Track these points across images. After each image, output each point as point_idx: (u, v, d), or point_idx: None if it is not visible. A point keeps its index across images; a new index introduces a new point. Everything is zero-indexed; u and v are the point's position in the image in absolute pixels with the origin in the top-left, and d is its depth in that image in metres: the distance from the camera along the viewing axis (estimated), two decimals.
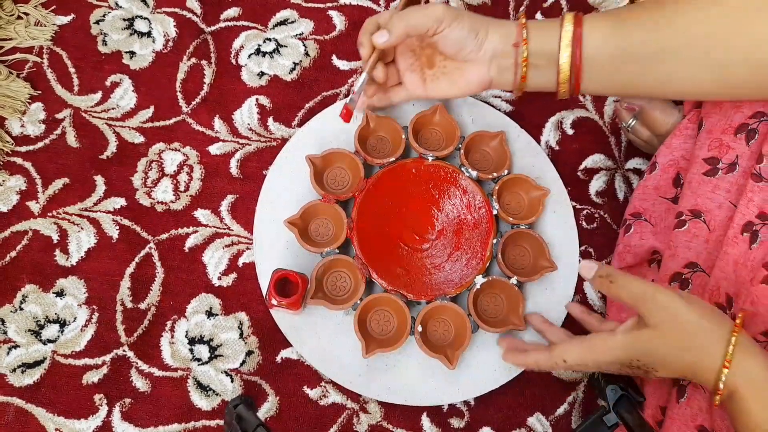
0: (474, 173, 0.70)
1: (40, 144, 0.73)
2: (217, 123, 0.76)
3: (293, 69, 0.79)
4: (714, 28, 0.50)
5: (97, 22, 0.79)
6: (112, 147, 0.74)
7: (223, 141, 0.75)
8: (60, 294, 0.67)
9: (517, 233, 0.69)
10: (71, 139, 0.73)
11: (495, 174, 0.71)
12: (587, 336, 0.54)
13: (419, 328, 0.64)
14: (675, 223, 0.59)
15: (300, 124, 0.76)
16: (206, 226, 0.71)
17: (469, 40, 0.58)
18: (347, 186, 0.71)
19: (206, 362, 0.66)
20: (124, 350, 0.66)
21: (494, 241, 0.69)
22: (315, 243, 0.67)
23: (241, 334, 0.67)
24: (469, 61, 0.60)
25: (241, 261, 0.70)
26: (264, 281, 0.68)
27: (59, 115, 0.74)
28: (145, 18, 0.80)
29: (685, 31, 0.51)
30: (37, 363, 0.65)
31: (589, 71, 0.56)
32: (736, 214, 0.53)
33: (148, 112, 0.75)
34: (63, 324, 0.66)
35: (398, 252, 0.68)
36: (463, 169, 0.71)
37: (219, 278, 0.69)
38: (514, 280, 0.67)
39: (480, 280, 0.67)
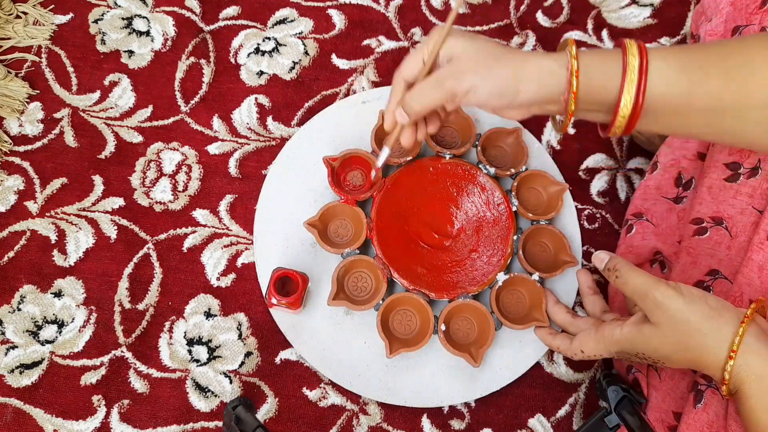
0: (492, 170, 0.70)
1: (38, 144, 0.73)
2: (216, 122, 0.75)
3: (292, 68, 0.78)
4: None
5: (96, 21, 0.79)
6: (110, 147, 0.73)
7: (222, 140, 0.74)
8: (58, 294, 0.67)
9: (537, 229, 0.69)
10: (69, 139, 0.73)
11: (513, 170, 0.71)
12: (600, 326, 0.55)
13: (442, 327, 0.64)
14: (694, 229, 0.58)
15: (299, 124, 0.75)
16: (205, 226, 0.71)
17: (492, 101, 0.50)
18: (364, 186, 0.70)
19: (205, 363, 0.66)
20: (122, 351, 0.66)
21: (515, 237, 0.68)
22: (335, 244, 0.67)
23: (240, 335, 0.67)
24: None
25: (239, 261, 0.69)
26: (264, 280, 0.67)
27: (57, 115, 0.74)
28: (143, 17, 0.79)
29: (761, 87, 0.45)
30: (35, 364, 0.65)
31: (647, 118, 0.49)
32: (762, 220, 0.52)
33: (147, 112, 0.75)
34: (61, 325, 0.66)
35: (419, 251, 0.68)
36: (480, 166, 0.70)
37: (218, 279, 0.69)
38: (536, 276, 0.66)
39: (502, 277, 0.66)
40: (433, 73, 0.51)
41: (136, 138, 0.74)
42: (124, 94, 0.76)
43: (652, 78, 0.46)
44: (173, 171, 0.73)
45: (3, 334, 0.65)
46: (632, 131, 0.50)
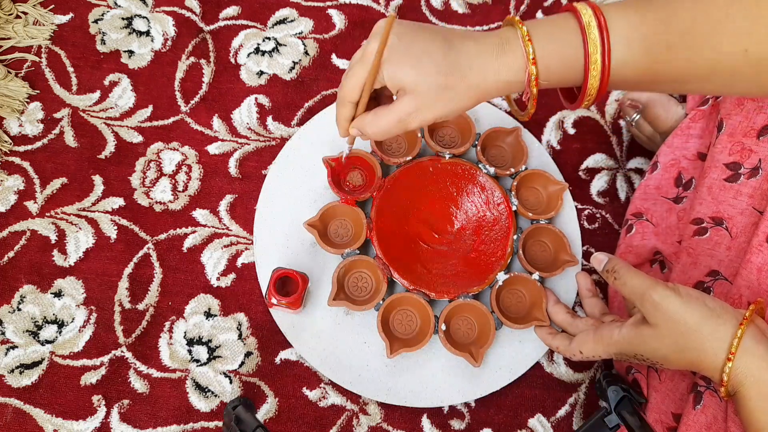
0: (491, 170, 0.70)
1: (38, 144, 0.73)
2: (216, 122, 0.75)
3: (292, 68, 0.78)
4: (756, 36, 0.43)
5: (96, 21, 0.79)
6: (110, 147, 0.73)
7: (222, 140, 0.74)
8: (58, 294, 0.67)
9: (537, 228, 0.69)
10: (69, 139, 0.73)
11: (513, 170, 0.71)
12: (599, 327, 0.55)
13: (443, 327, 0.64)
14: (694, 230, 0.58)
15: (299, 124, 0.75)
16: (205, 226, 0.71)
17: (450, 116, 0.50)
18: (364, 186, 0.70)
19: (205, 363, 0.66)
20: (122, 351, 0.66)
21: (514, 237, 0.68)
22: (335, 244, 0.67)
23: (240, 335, 0.67)
24: None
25: (239, 261, 0.69)
26: (264, 280, 0.67)
27: (57, 115, 0.74)
28: (143, 17, 0.79)
29: (727, 46, 0.44)
30: (35, 364, 0.65)
31: (613, 89, 0.49)
32: (762, 222, 0.52)
33: (147, 112, 0.75)
34: (61, 325, 0.66)
35: (419, 251, 0.68)
36: (480, 165, 0.70)
37: (218, 279, 0.69)
38: (536, 276, 0.66)
39: (502, 276, 0.66)
40: (394, 107, 0.49)
41: (136, 138, 0.74)
42: (124, 94, 0.76)
43: (616, 64, 0.45)
44: (173, 171, 0.73)
45: (3, 334, 0.65)
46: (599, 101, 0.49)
